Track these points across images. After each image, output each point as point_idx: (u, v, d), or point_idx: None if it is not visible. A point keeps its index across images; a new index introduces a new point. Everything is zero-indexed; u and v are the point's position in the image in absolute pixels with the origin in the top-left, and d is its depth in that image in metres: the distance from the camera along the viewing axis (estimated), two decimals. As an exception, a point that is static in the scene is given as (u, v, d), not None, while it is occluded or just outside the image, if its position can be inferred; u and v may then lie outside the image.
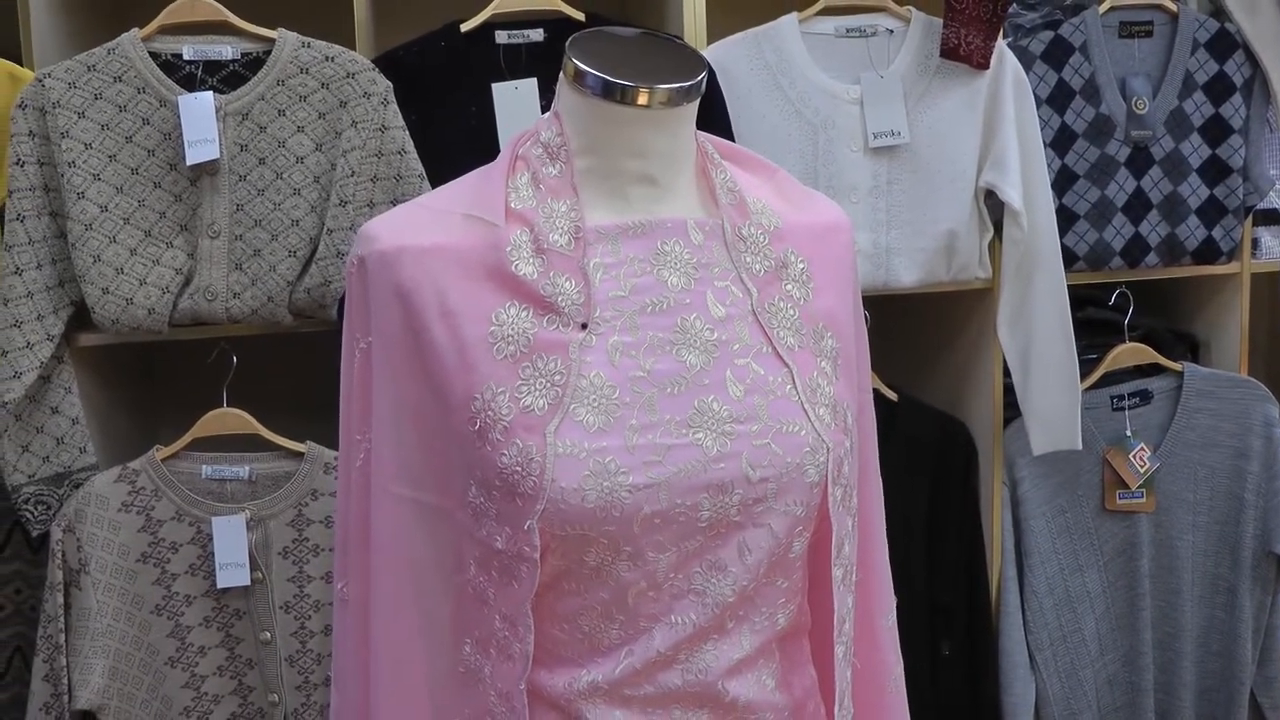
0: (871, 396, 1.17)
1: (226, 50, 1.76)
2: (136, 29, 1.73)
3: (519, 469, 0.93)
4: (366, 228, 1.02)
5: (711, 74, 1.86)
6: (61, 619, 1.72)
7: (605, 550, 0.95)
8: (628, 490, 0.93)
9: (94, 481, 1.75)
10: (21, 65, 1.76)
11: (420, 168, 1.78)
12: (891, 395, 2.03)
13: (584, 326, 0.97)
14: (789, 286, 1.05)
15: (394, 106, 1.77)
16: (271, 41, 1.75)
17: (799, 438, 0.99)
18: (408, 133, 1.78)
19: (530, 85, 1.85)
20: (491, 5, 1.85)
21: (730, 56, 1.92)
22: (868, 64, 1.95)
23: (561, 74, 1.02)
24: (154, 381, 2.14)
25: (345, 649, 1.08)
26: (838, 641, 1.04)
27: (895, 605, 1.20)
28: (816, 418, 1.00)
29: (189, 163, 1.70)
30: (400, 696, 1.02)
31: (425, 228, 1.00)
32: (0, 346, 1.68)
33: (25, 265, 1.68)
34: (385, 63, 1.81)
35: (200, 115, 1.70)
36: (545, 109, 1.85)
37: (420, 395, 0.99)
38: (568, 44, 1.02)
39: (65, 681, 1.72)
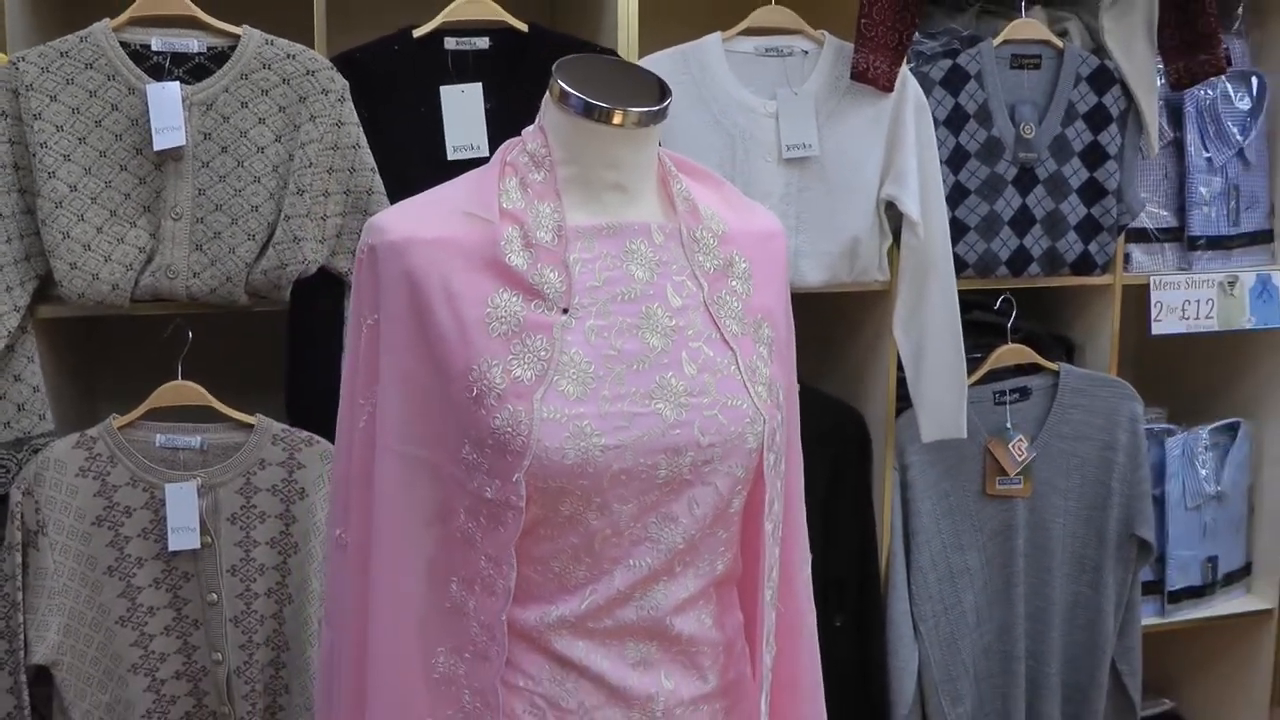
0: (796, 380, 1.38)
1: (194, 44, 1.90)
2: (108, 19, 1.87)
3: (509, 430, 1.12)
4: (377, 220, 1.21)
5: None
6: (19, 578, 1.85)
7: (578, 501, 1.15)
8: (600, 450, 1.13)
9: (53, 447, 1.88)
10: (-4, 50, 1.89)
11: (372, 161, 1.95)
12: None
13: (565, 311, 1.16)
14: (734, 283, 1.24)
15: (350, 104, 1.93)
16: (237, 38, 1.91)
17: (741, 410, 1.19)
18: (362, 129, 1.94)
19: (475, 89, 2.03)
20: (442, 13, 2.02)
21: (659, 70, 2.04)
22: (784, 82, 2.16)
23: (547, 93, 1.22)
24: (97, 353, 2.26)
25: (342, 589, 1.26)
26: (766, 586, 1.25)
27: (810, 560, 1.40)
28: (755, 394, 1.20)
29: (155, 148, 1.84)
30: (398, 629, 1.19)
31: (430, 222, 1.19)
32: (-31, 315, 1.81)
33: (-7, 240, 1.81)
34: (342, 62, 1.97)
35: (167, 104, 1.85)
36: (489, 112, 2.04)
37: (422, 366, 1.17)
38: (555, 67, 1.21)
39: (21, 638, 1.85)
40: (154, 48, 1.89)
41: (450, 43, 2.04)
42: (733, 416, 1.19)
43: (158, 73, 1.88)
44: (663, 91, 1.24)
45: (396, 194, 1.90)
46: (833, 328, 2.46)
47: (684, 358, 1.19)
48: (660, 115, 1.22)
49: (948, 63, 2.25)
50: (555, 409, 1.13)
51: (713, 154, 2.12)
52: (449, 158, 2.02)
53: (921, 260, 2.18)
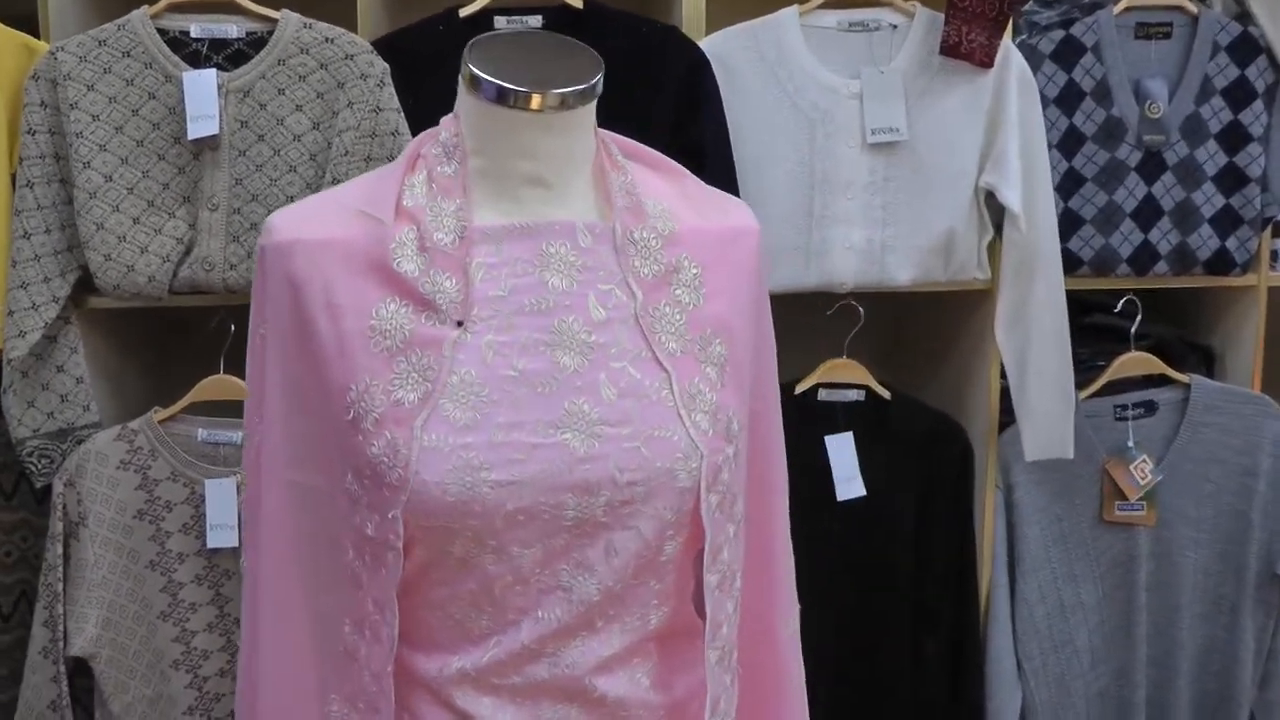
0: (777, 403, 1.23)
1: (232, 29, 1.89)
2: (146, 6, 1.87)
3: (386, 459, 1.01)
4: (270, 219, 1.11)
5: (707, 66, 1.95)
6: (60, 569, 1.88)
7: (469, 543, 1.02)
8: (489, 486, 1.00)
9: (95, 439, 1.90)
10: (38, 38, 1.92)
11: (414, 149, 1.89)
12: (885, 393, 2.09)
13: (459, 324, 1.04)
14: (678, 291, 1.10)
15: (390, 89, 1.88)
16: (275, 22, 1.88)
17: (670, 442, 1.04)
18: (402, 115, 1.89)
19: (526, 72, 1.95)
20: (491, -10, 1.95)
21: (728, 48, 1.99)
22: (869, 59, 2.01)
23: (459, 78, 1.11)
24: (166, 346, 2.29)
25: (248, 619, 1.17)
26: (710, 646, 1.09)
27: (799, 614, 1.26)
28: (692, 423, 1.05)
29: (190, 137, 1.83)
30: (287, 673, 1.11)
31: (321, 221, 1.08)
32: (8, 306, 1.84)
33: (33, 230, 1.84)
34: (384, 46, 1.92)
35: (203, 91, 1.84)
36: (541, 96, 1.96)
37: (307, 384, 1.07)
38: (466, 49, 1.10)
39: (62, 628, 1.88)
40: (192, 34, 1.88)
41: (500, 22, 1.97)
42: (659, 450, 1.04)
43: (196, 60, 1.87)
44: (594, 67, 1.11)
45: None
46: (928, 332, 2.29)
47: (602, 380, 1.05)
48: (587, 95, 1.09)
49: (1059, 34, 2.05)
50: (438, 437, 1.01)
51: (788, 140, 1.99)
52: (494, 145, 1.95)
53: (1025, 256, 2.00)
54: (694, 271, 1.11)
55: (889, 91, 1.98)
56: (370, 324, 1.04)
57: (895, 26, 2.02)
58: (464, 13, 1.96)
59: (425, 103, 1.95)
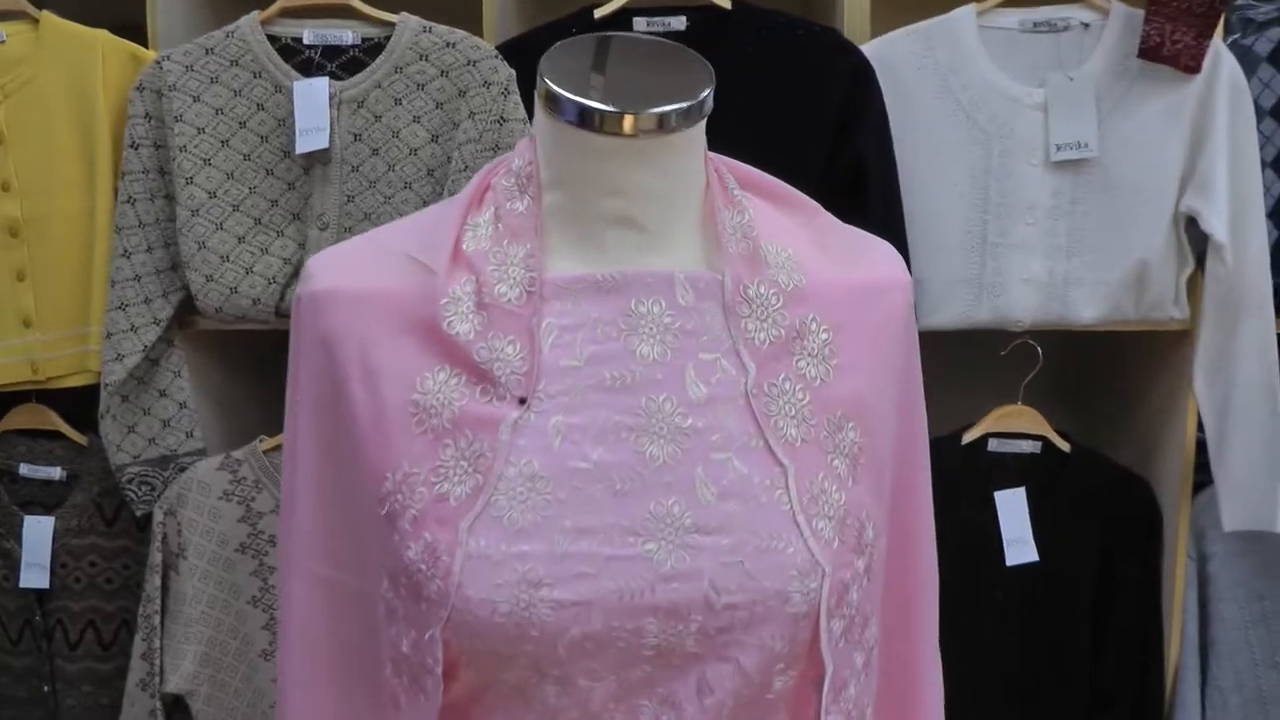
0: (927, 484, 1.03)
1: (347, 35, 1.77)
2: (257, 11, 1.76)
3: (424, 568, 0.84)
4: (309, 263, 0.95)
5: (870, 73, 1.75)
6: (158, 600, 1.80)
7: (526, 671, 0.85)
8: (550, 606, 0.82)
9: (197, 467, 1.82)
10: (146, 46, 1.83)
11: (539, 164, 1.74)
12: (1063, 445, 1.87)
13: (522, 401, 0.86)
14: (802, 363, 0.90)
15: (515, 97, 1.74)
16: (393, 26, 1.75)
17: (784, 556, 0.84)
18: (529, 125, 1.75)
19: (665, 79, 1.78)
20: (629, -11, 1.79)
21: (895, 53, 1.79)
22: (1055, 63, 1.78)
23: (535, 93, 0.92)
24: (277, 368, 2.21)
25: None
26: None
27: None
28: (813, 532, 0.85)
29: (297, 151, 1.72)
30: None
31: (366, 268, 0.92)
32: (105, 328, 1.76)
33: (134, 248, 1.75)
34: (510, 50, 1.78)
35: (313, 102, 1.72)
36: (680, 105, 1.80)
37: (339, 462, 0.91)
38: (542, 59, 0.91)
39: (159, 662, 1.80)
40: (305, 41, 1.77)
41: (640, 23, 1.80)
42: (769, 566, 0.84)
43: (308, 68, 1.76)
44: (699, 81, 0.91)
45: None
46: (1115, 376, 2.05)
47: (700, 476, 0.85)
48: (693, 114, 0.89)
49: (1278, 32, 1.78)
50: (489, 544, 0.83)
51: (961, 157, 1.78)
52: (631, 159, 1.79)
53: (1231, 293, 1.76)
54: (823, 337, 0.91)
55: (1078, 100, 1.75)
56: (413, 397, 0.87)
57: (1087, 25, 1.78)
58: (599, 13, 1.80)
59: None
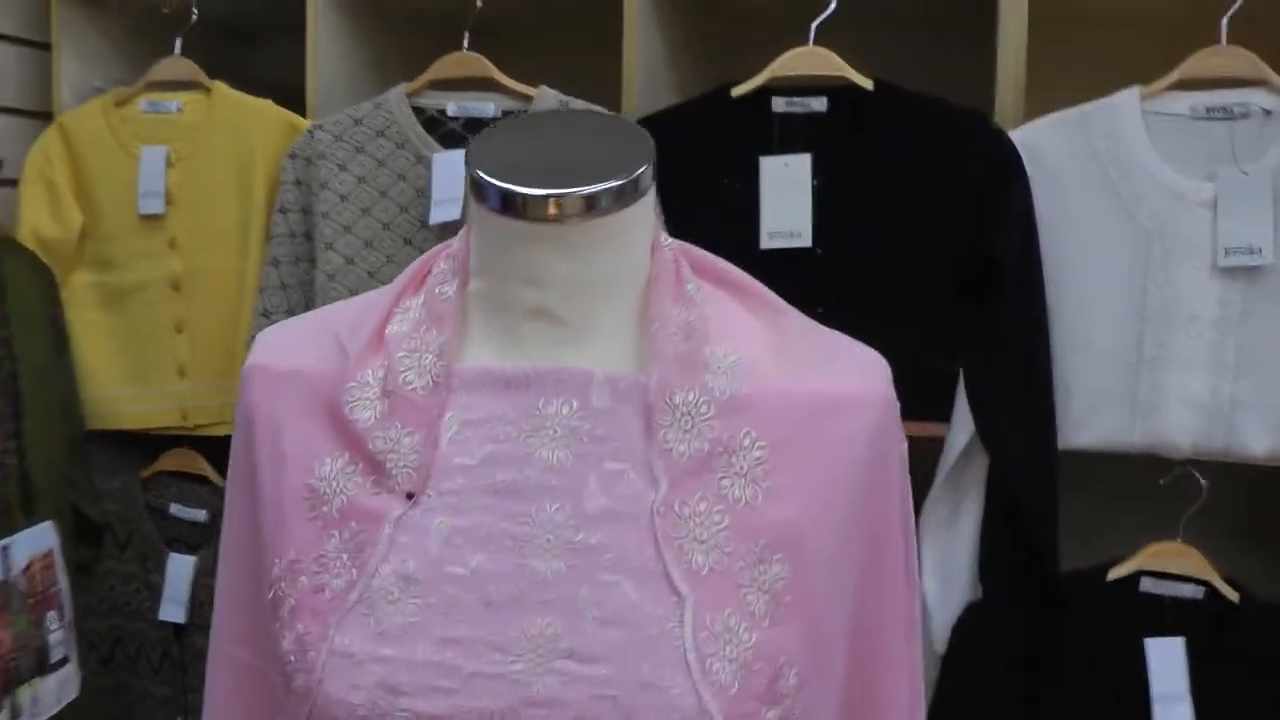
0: (911, 635, 0.94)
1: (489, 108, 1.82)
2: (404, 84, 1.84)
3: (294, 659, 0.81)
4: (259, 336, 0.95)
5: (1015, 161, 1.66)
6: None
7: None
8: (407, 716, 0.78)
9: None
10: (302, 113, 1.93)
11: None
12: (1231, 594, 1.66)
13: (410, 496, 0.82)
14: (726, 481, 0.82)
15: (645, 177, 1.74)
16: (530, 100, 1.79)
17: (666, 697, 0.76)
18: (659, 209, 1.74)
19: (803, 162, 1.74)
20: (770, 67, 1.75)
21: (1046, 139, 1.68)
22: (1229, 156, 1.62)
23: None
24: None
25: None
26: None
27: None
28: (704, 674, 0.77)
29: (431, 221, 1.78)
30: None
31: (299, 345, 0.91)
32: (247, 384, 1.87)
33: (274, 309, 1.85)
34: (645, 126, 1.77)
35: (451, 173, 1.78)
36: (817, 191, 1.75)
37: (249, 545, 0.90)
38: (472, 142, 0.88)
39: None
40: (449, 113, 1.83)
41: (779, 104, 1.77)
42: (647, 706, 0.76)
43: (451, 139, 1.82)
44: (633, 158, 0.85)
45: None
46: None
47: (584, 597, 0.79)
48: (626, 195, 0.83)
49: None
50: (353, 642, 0.79)
51: (1117, 258, 1.65)
52: (762, 246, 1.75)
53: None
54: (757, 454, 0.82)
55: (1252, 198, 1.60)
56: (309, 481, 0.84)
57: (1269, 113, 1.61)
58: (737, 91, 1.78)
59: (685, 190, 1.79)
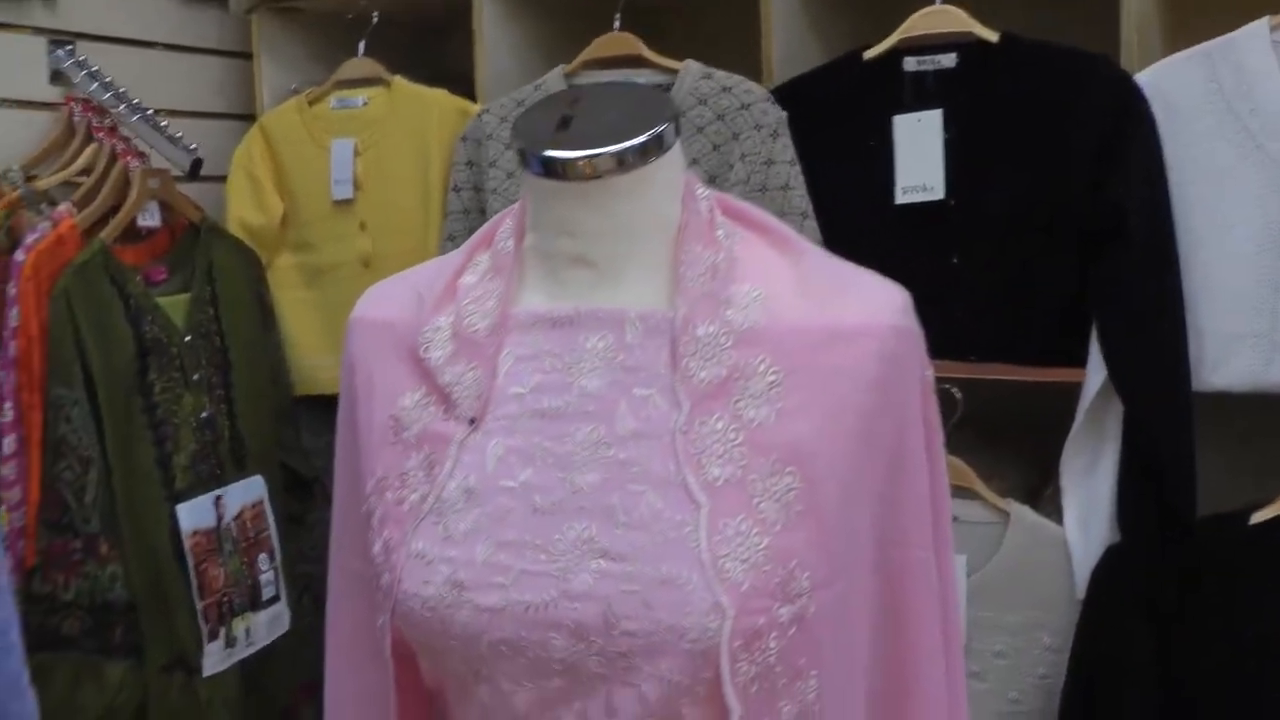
0: (947, 547, 1.04)
1: (639, 83, 1.98)
2: (563, 65, 2.02)
3: (381, 561, 0.97)
4: (364, 293, 1.11)
5: (1140, 103, 1.74)
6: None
7: (461, 666, 0.95)
8: (470, 609, 0.92)
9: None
10: (475, 100, 2.15)
11: (805, 205, 1.88)
12: None
13: (472, 422, 0.97)
14: (742, 404, 0.93)
15: (785, 139, 1.88)
16: (676, 73, 1.95)
17: (683, 594, 0.88)
18: (798, 167, 1.88)
19: (934, 118, 1.86)
20: (900, 28, 1.88)
21: (1172, 79, 1.74)
22: (1365, 85, 1.67)
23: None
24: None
25: None
26: None
27: None
28: (718, 572, 0.88)
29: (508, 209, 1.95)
30: None
31: (392, 299, 1.06)
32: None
33: (453, 279, 2.06)
34: (785, 93, 1.93)
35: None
36: (949, 144, 1.87)
37: (354, 468, 1.05)
38: (516, 120, 1.04)
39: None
40: (603, 90, 2.01)
41: (910, 63, 1.89)
42: (665, 601, 0.88)
43: (603, 115, 1.99)
44: (651, 120, 0.97)
45: (835, 244, 1.80)
46: None
47: (614, 505, 0.91)
48: (649, 150, 0.96)
49: None
50: (426, 547, 0.94)
51: (1249, 195, 1.70)
52: (897, 200, 1.87)
53: None
54: (770, 379, 0.93)
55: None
56: (393, 413, 1.00)
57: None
58: (868, 55, 1.91)
59: (822, 152, 1.93)
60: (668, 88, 1.95)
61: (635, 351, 0.96)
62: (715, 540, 0.89)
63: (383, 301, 1.07)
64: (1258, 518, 1.71)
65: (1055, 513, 1.86)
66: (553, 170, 0.97)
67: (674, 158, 1.00)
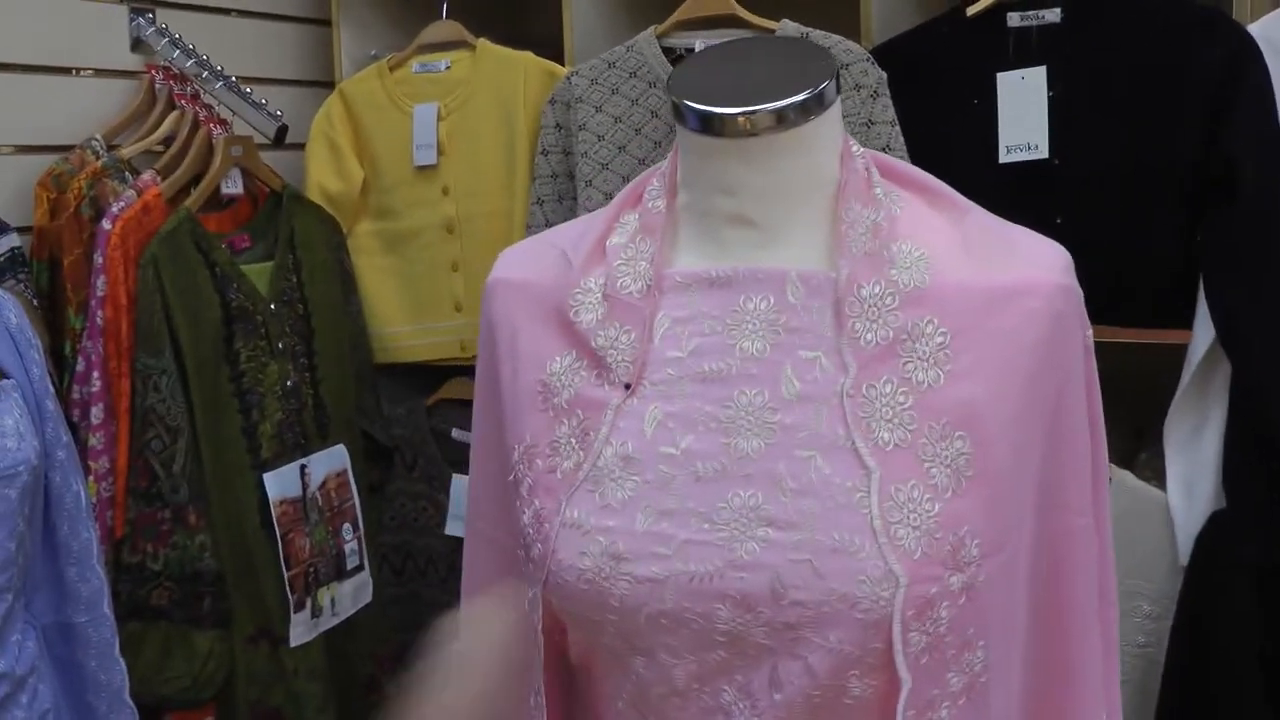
0: (1104, 517, 1.01)
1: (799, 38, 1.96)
2: (654, 25, 2.00)
3: (532, 531, 0.94)
4: (500, 255, 1.08)
5: (1254, 54, 1.70)
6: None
7: (616, 639, 0.92)
8: (629, 580, 0.89)
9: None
10: (563, 62, 2.12)
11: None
12: None
13: (628, 387, 0.93)
14: (910, 366, 0.89)
15: (885, 99, 1.85)
16: (772, 33, 1.92)
17: (855, 562, 0.85)
18: (898, 128, 1.85)
19: (1038, 74, 1.83)
20: (1004, -16, 1.85)
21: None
22: None
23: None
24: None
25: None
26: None
27: (1118, 712, 1.04)
28: (891, 540, 0.85)
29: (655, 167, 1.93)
30: None
31: (532, 261, 1.03)
32: (516, 316, 2.07)
33: (541, 244, 2.04)
34: (884, 51, 1.90)
35: (699, 108, 1.93)
36: (1053, 101, 1.83)
37: (496, 434, 1.02)
38: (672, 73, 1.01)
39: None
40: (696, 50, 1.98)
41: (1013, 18, 1.85)
42: (837, 569, 0.85)
43: (698, 76, 1.97)
44: (815, 77, 0.93)
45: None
46: None
47: (780, 471, 0.88)
48: (810, 108, 0.92)
49: None
50: (582, 515, 0.91)
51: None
52: (1001, 159, 1.84)
53: None
54: (939, 340, 0.90)
55: None
56: (541, 378, 0.96)
57: None
58: (971, 11, 1.87)
59: (924, 111, 1.90)
60: (761, 47, 1.92)
61: (798, 312, 0.92)
62: (887, 506, 0.86)
63: (524, 263, 1.04)
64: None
65: (1152, 478, 1.83)
66: (710, 126, 0.93)
67: (834, 115, 0.96)
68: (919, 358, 0.89)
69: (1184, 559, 1.77)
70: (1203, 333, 1.74)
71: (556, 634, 0.97)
